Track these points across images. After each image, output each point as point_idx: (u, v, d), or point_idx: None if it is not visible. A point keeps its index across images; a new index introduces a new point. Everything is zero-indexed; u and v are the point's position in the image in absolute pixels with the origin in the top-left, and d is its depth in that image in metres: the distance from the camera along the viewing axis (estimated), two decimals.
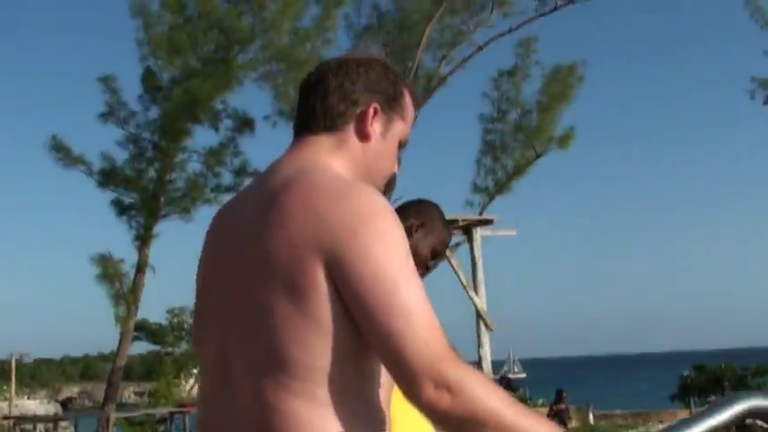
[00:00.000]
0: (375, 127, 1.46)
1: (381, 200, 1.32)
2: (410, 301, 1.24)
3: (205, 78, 17.27)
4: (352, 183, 1.34)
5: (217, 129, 18.68)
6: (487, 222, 15.99)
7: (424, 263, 2.53)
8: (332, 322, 1.26)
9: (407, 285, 1.25)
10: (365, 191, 1.32)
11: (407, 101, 1.52)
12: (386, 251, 1.26)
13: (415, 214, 2.56)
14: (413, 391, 1.23)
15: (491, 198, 21.24)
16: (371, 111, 1.45)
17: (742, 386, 21.99)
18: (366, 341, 1.29)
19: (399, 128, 1.51)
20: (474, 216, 17.48)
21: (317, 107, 1.45)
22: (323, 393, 1.27)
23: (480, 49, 20.55)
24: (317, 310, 1.25)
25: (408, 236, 2.45)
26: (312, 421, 1.26)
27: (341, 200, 1.28)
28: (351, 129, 1.45)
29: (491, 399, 1.24)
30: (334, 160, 1.42)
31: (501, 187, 21.21)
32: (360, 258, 1.24)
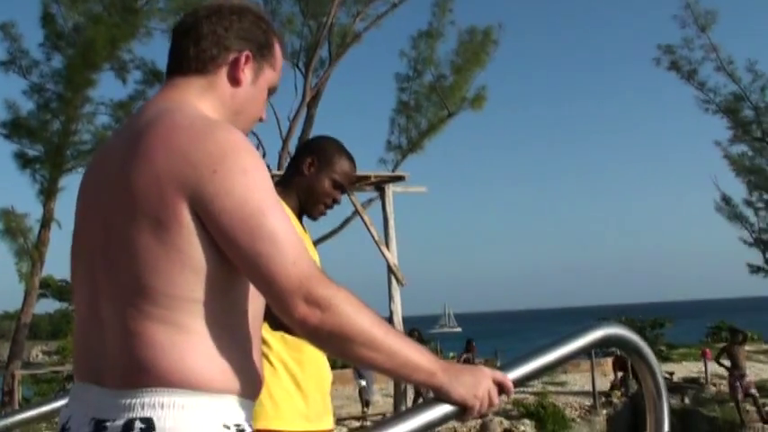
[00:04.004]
0: (246, 73, 1.51)
1: (242, 138, 1.38)
2: (275, 225, 1.31)
3: (109, 26, 16.68)
4: (213, 121, 1.39)
5: (124, 80, 18.17)
6: (399, 179, 16.15)
7: (329, 195, 2.54)
8: (197, 255, 1.32)
9: (272, 213, 1.32)
10: (226, 129, 1.37)
11: (277, 50, 1.57)
12: (248, 184, 1.32)
13: (306, 152, 2.58)
14: (285, 310, 1.31)
15: (404, 156, 21.46)
16: (243, 57, 1.50)
17: (640, 337, 23.13)
18: (234, 273, 1.35)
19: (269, 75, 1.56)
20: (386, 173, 17.66)
21: (190, 51, 1.49)
22: (189, 322, 1.32)
23: (395, 6, 20.53)
24: (182, 244, 1.31)
25: (302, 174, 2.53)
26: (175, 347, 1.31)
27: (201, 138, 1.33)
28: (222, 73, 1.49)
29: (360, 315, 1.33)
30: (202, 101, 1.46)
31: (414, 145, 21.44)
32: (222, 193, 1.30)
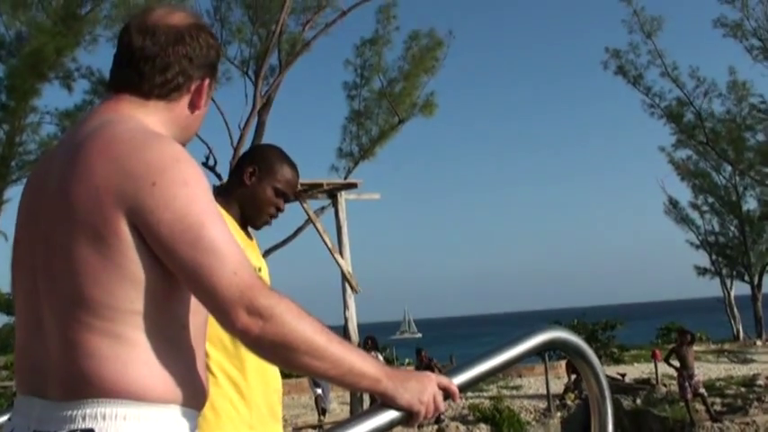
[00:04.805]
0: (203, 98, 1.55)
1: (182, 150, 1.39)
2: (215, 237, 1.31)
3: (53, 35, 16.39)
4: (153, 134, 1.39)
5: (70, 88, 17.87)
6: (352, 186, 16.17)
7: (272, 204, 2.50)
8: (136, 268, 1.31)
9: (212, 224, 1.32)
10: (166, 142, 1.38)
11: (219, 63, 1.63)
12: (188, 196, 1.32)
13: (247, 161, 2.54)
14: (227, 320, 1.31)
15: (356, 163, 21.52)
16: (205, 85, 1.54)
17: (593, 339, 23.41)
18: (175, 285, 1.35)
19: (213, 88, 1.60)
20: (339, 180, 17.67)
21: (155, 78, 1.47)
22: (131, 333, 1.32)
23: (344, 14, 20.56)
24: (120, 257, 1.31)
25: (244, 184, 2.50)
26: (117, 358, 1.31)
27: (140, 150, 1.34)
28: (184, 100, 1.51)
29: (302, 324, 1.33)
30: (149, 117, 1.46)
31: (365, 152, 21.49)
32: (162, 205, 1.30)
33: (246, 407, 2.36)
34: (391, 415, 1.46)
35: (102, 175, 1.31)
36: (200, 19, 1.60)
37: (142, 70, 1.48)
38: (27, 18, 17.01)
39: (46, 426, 1.30)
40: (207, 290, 1.31)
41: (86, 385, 1.30)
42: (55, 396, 1.32)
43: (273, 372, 2.50)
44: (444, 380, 1.53)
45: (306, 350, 1.34)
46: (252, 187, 2.48)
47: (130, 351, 1.32)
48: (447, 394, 1.52)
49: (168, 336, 1.37)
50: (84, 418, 1.28)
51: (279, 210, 2.53)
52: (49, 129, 18.23)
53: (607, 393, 1.81)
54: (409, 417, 1.47)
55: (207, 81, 1.54)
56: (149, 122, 1.45)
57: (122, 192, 1.30)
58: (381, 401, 1.47)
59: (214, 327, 1.43)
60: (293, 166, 2.57)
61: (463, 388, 1.58)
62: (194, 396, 1.40)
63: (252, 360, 2.35)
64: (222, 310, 1.31)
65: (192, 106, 1.53)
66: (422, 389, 1.47)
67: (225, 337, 2.24)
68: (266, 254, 17.83)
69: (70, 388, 1.31)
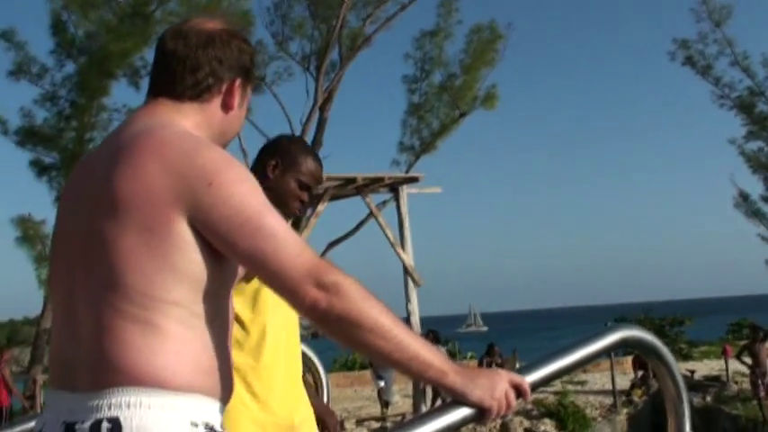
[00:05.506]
0: (236, 99, 1.59)
1: (229, 154, 1.45)
2: (275, 225, 1.37)
3: (121, 35, 16.78)
4: (199, 139, 1.45)
5: (137, 86, 18.27)
6: (413, 180, 16.12)
7: (296, 197, 2.47)
8: (182, 260, 1.35)
9: (270, 215, 1.38)
10: (213, 147, 1.44)
11: (255, 68, 1.67)
12: (243, 193, 1.38)
13: (269, 154, 2.50)
14: (296, 297, 1.35)
15: (417, 157, 21.43)
16: (236, 87, 1.58)
17: (660, 335, 22.99)
18: (215, 282, 1.39)
19: (249, 93, 1.64)
20: (400, 174, 17.66)
21: (186, 79, 1.53)
22: (163, 323, 1.35)
23: (404, 8, 20.52)
24: (167, 248, 1.34)
25: (267, 177, 2.44)
26: (147, 347, 1.33)
27: (192, 154, 1.39)
28: (216, 101, 1.56)
29: (369, 302, 1.37)
30: (187, 121, 1.52)
31: (426, 146, 21.41)
32: (220, 203, 1.35)
33: (258, 405, 2.33)
34: (464, 412, 1.45)
35: (155, 176, 1.36)
36: (234, 26, 1.65)
37: (174, 72, 1.54)
38: (96, 17, 17.46)
39: (75, 416, 1.33)
40: (274, 271, 1.35)
41: (114, 373, 1.32)
42: (84, 387, 1.35)
43: (293, 374, 2.47)
44: (516, 377, 1.51)
45: (371, 327, 1.36)
46: (275, 180, 2.44)
47: (162, 341, 1.34)
48: (518, 393, 1.50)
49: (200, 329, 1.39)
50: (110, 407, 1.30)
51: (303, 203, 2.50)
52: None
53: (684, 394, 1.76)
54: (481, 414, 1.46)
55: (238, 81, 1.58)
56: (188, 126, 1.50)
57: (178, 192, 1.35)
58: (452, 398, 1.46)
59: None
60: (317, 158, 2.54)
61: (535, 386, 1.56)
62: (221, 388, 1.42)
63: (267, 360, 2.33)
64: (290, 289, 1.35)
65: (225, 107, 1.57)
66: (492, 385, 1.45)
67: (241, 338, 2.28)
68: (328, 248, 17.96)
69: (98, 376, 1.33)
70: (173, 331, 1.35)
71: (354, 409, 16.46)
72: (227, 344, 1.48)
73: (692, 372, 18.03)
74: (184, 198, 1.35)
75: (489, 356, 17.01)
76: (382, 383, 15.37)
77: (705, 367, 20.38)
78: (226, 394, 1.45)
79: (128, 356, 1.33)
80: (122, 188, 1.37)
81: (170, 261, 1.35)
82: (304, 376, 2.62)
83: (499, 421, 14.21)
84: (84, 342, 1.37)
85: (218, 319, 1.44)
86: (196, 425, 1.34)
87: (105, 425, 1.29)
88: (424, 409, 14.24)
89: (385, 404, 15.49)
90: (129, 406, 1.30)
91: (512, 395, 1.47)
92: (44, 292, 17.73)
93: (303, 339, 2.62)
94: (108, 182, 1.39)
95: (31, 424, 2.23)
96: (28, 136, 17.89)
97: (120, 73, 17.72)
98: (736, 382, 16.61)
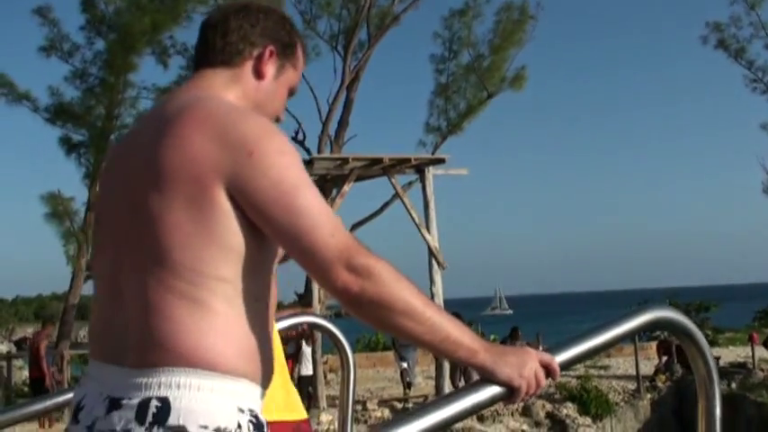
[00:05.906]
0: (269, 68, 1.57)
1: (272, 123, 1.44)
2: (311, 201, 1.35)
3: (149, 11, 16.81)
4: (244, 109, 1.44)
5: (165, 65, 18.33)
6: (439, 161, 16.06)
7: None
8: (228, 235, 1.34)
9: (307, 190, 1.36)
10: (257, 116, 1.42)
11: (299, 52, 1.63)
12: (283, 165, 1.36)
13: None
14: (327, 279, 1.33)
15: (444, 138, 21.32)
16: (267, 52, 1.56)
17: None
18: (260, 258, 1.38)
19: (290, 75, 1.62)
20: (426, 155, 17.59)
21: (218, 44, 1.55)
22: (211, 300, 1.33)
23: None
24: (214, 223, 1.33)
25: None
26: (195, 325, 1.32)
27: (236, 123, 1.37)
28: (248, 67, 1.55)
29: (401, 285, 1.34)
30: (227, 92, 1.52)
31: (453, 127, 21.28)
32: (259, 174, 1.33)
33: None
34: (492, 390, 1.44)
35: (200, 147, 1.34)
36: (278, 7, 1.65)
37: (208, 40, 1.56)
38: None
39: (120, 392, 1.31)
40: (306, 251, 1.33)
41: (163, 352, 1.31)
42: (130, 363, 1.33)
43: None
44: (546, 356, 1.50)
45: (403, 310, 1.34)
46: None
47: (211, 319, 1.33)
48: (548, 372, 1.48)
49: (246, 308, 1.37)
50: (159, 387, 1.29)
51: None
52: (146, 103, 18.77)
53: (715, 376, 1.74)
54: (510, 393, 1.44)
55: (271, 48, 1.56)
56: (229, 98, 1.50)
57: (220, 162, 1.33)
58: (481, 376, 1.45)
59: None
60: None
61: (564, 366, 1.54)
62: (264, 372, 1.41)
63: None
64: (322, 270, 1.33)
65: (257, 73, 1.56)
66: (521, 363, 1.44)
67: None
68: (353, 228, 17.97)
69: (146, 354, 1.32)
70: (220, 310, 1.34)
71: (377, 389, 16.53)
72: (269, 327, 1.47)
73: (718, 358, 17.88)
74: (224, 167, 1.33)
75: (512, 339, 16.99)
76: (405, 365, 15.42)
77: (731, 354, 20.21)
78: (266, 380, 1.43)
79: (178, 336, 1.31)
80: (168, 160, 1.36)
81: (216, 235, 1.33)
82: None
83: (521, 404, 14.22)
84: (131, 317, 1.36)
85: (262, 299, 1.43)
86: (242, 411, 1.33)
87: (154, 403, 1.28)
88: (446, 390, 14.27)
89: (407, 385, 15.55)
90: (179, 386, 1.29)
91: (541, 374, 1.46)
92: (72, 269, 17.94)
93: (327, 319, 2.63)
94: (154, 154, 1.38)
95: (68, 395, 2.26)
96: (57, 113, 18.02)
97: (147, 50, 17.77)
98: (762, 370, 16.48)
